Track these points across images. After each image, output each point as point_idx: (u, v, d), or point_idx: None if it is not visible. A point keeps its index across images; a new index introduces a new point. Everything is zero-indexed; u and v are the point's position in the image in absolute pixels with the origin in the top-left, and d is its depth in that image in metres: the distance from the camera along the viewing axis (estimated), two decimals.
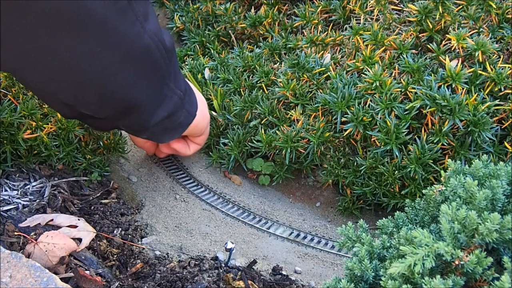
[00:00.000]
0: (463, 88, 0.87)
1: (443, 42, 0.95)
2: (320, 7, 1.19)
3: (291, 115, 1.00)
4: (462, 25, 0.97)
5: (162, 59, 0.67)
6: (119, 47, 0.61)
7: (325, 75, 1.02)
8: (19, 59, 0.57)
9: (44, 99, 0.76)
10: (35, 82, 0.63)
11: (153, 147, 1.00)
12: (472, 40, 0.90)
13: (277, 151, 1.00)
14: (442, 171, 0.65)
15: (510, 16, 0.99)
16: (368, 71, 0.94)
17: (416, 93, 0.89)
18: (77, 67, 0.60)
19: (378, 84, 0.92)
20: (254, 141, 1.01)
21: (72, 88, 0.64)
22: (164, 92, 0.72)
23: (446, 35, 0.95)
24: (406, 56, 0.95)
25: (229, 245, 0.78)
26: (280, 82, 1.02)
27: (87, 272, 0.73)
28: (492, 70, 0.89)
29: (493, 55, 0.91)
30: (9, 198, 0.83)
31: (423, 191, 0.62)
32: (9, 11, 0.50)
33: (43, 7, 0.51)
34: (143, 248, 0.84)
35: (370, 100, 0.92)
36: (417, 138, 0.88)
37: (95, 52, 0.59)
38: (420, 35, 0.99)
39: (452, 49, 0.93)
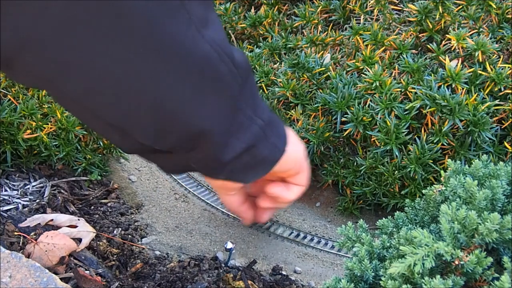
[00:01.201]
0: (463, 88, 0.87)
1: (443, 42, 0.95)
2: (320, 7, 1.19)
3: (291, 115, 1.00)
4: (462, 25, 0.97)
5: (230, 75, 0.56)
6: (169, 53, 0.51)
7: (325, 75, 1.02)
8: (52, 65, 0.49)
9: (92, 124, 0.63)
10: (74, 95, 0.53)
11: (251, 209, 0.83)
12: (472, 40, 0.90)
13: None
14: (442, 171, 0.65)
15: (510, 16, 0.99)
16: (368, 71, 0.94)
17: (416, 93, 0.89)
18: (119, 76, 0.51)
19: (378, 84, 0.92)
20: None
21: (117, 104, 0.54)
22: (238, 119, 0.60)
23: (446, 35, 0.95)
24: (406, 56, 0.95)
25: (229, 245, 0.78)
26: (280, 82, 1.02)
27: (87, 272, 0.73)
28: (492, 70, 0.89)
29: (493, 55, 0.91)
30: (9, 198, 0.83)
31: (423, 191, 0.62)
32: (29, 7, 0.46)
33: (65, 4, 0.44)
34: (143, 248, 0.84)
35: (370, 100, 0.92)
36: (417, 138, 0.88)
37: (138, 58, 0.50)
38: (420, 35, 0.99)
39: (452, 49, 0.93)
